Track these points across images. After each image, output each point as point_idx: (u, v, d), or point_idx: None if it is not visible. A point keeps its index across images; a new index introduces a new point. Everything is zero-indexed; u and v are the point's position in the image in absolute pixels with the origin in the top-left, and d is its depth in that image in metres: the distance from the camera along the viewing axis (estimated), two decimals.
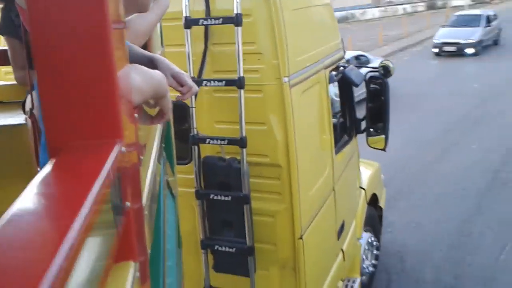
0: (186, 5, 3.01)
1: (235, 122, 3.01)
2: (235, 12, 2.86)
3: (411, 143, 9.67)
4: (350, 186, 4.52)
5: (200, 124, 3.15)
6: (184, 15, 3.01)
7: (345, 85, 4.25)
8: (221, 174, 3.11)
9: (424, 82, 15.71)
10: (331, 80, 3.84)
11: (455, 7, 38.21)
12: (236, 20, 2.87)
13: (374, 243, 5.34)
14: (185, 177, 3.21)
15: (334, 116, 4.04)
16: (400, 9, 41.15)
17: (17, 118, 2.33)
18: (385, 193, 6.09)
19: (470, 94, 13.84)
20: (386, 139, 4.44)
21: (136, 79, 0.96)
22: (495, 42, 22.87)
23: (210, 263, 3.30)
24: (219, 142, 3.08)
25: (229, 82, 2.98)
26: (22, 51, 2.12)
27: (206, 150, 3.21)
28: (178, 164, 2.79)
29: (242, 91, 2.95)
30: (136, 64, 1.04)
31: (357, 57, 13.50)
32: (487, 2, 41.63)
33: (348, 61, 4.91)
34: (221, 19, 2.94)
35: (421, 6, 42.91)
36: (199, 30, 3.07)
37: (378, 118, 4.41)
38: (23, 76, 2.34)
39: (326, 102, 3.65)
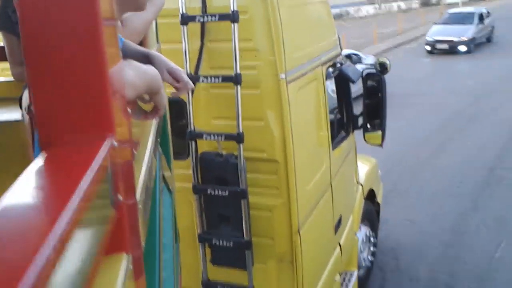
0: (182, 2, 3.02)
1: (232, 118, 3.02)
2: (232, 8, 2.87)
3: (405, 140, 9.61)
4: (347, 181, 4.54)
5: (198, 120, 3.17)
6: (181, 12, 3.03)
7: (342, 81, 4.27)
8: (218, 169, 3.13)
9: (417, 79, 15.66)
10: (328, 77, 3.86)
11: (449, 4, 38.18)
12: (232, 17, 2.88)
13: (371, 238, 5.37)
14: (183, 173, 3.23)
15: (331, 112, 4.05)
16: (394, 6, 41.13)
17: (13, 114, 2.34)
18: (382, 189, 6.10)
19: (463, 92, 13.80)
20: (383, 135, 4.47)
21: (129, 74, 0.97)
22: (488, 40, 22.78)
23: (208, 257, 3.33)
24: (216, 137, 3.10)
25: (226, 79, 2.99)
26: (19, 47, 2.13)
27: (204, 145, 3.23)
28: (175, 159, 2.80)
29: (239, 87, 2.96)
30: (130, 60, 1.06)
31: (348, 56, 13.19)
32: (481, 0, 41.59)
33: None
34: (217, 15, 2.95)
35: (415, 3, 42.89)
36: (195, 27, 3.08)
37: (375, 114, 4.43)
38: (21, 72, 2.36)
39: (323, 99, 3.66)
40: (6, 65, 2.64)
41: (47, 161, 0.61)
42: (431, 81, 15.68)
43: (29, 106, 2.07)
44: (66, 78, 0.68)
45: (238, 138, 3.00)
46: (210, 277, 3.36)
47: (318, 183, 3.57)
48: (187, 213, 3.32)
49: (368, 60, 13.95)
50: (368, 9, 39.57)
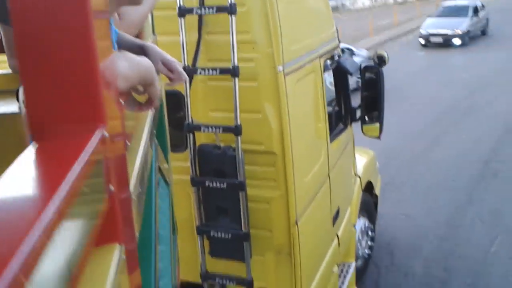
0: None
1: (230, 110, 3.03)
2: (229, 1, 2.87)
3: (399, 134, 9.51)
4: (345, 173, 4.55)
5: (195, 112, 3.17)
6: (178, 4, 3.02)
7: (340, 74, 4.26)
8: (216, 161, 3.14)
9: (412, 73, 15.54)
10: (326, 69, 3.86)
11: None
12: (230, 9, 2.87)
13: (369, 231, 5.40)
14: (181, 165, 3.24)
15: (329, 104, 4.05)
16: None
17: (10, 107, 2.33)
18: (380, 181, 6.11)
19: (458, 85, 13.70)
20: (381, 127, 4.47)
21: (122, 66, 0.97)
22: (483, 33, 22.57)
23: (206, 249, 3.34)
24: (214, 130, 3.10)
25: (223, 71, 2.99)
26: None
27: (202, 138, 3.23)
28: (173, 152, 2.81)
29: (236, 79, 2.96)
30: (123, 51, 1.06)
31: (341, 50, 13.20)
32: None
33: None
34: (215, 8, 2.94)
35: None
36: (193, 19, 3.07)
37: (373, 107, 4.43)
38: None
39: (321, 91, 3.66)
40: (3, 57, 2.64)
41: (37, 151, 0.62)
42: (425, 74, 15.56)
43: None
44: (56, 69, 0.68)
45: (236, 130, 3.01)
46: (209, 269, 3.37)
47: (316, 175, 3.58)
48: (185, 206, 3.33)
49: (361, 53, 13.92)
50: (364, 1, 39.37)
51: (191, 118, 3.14)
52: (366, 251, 5.36)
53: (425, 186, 7.64)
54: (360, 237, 5.15)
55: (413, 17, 29.00)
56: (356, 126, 4.63)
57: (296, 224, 3.21)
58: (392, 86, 12.55)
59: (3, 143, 2.25)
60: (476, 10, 21.93)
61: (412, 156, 8.81)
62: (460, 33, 20.46)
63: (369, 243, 5.41)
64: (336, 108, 4.36)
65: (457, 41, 20.44)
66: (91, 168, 0.62)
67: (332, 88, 4.39)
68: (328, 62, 3.98)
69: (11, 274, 0.37)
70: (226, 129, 3.05)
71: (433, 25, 20.99)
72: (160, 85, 1.35)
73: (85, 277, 0.64)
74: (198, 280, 3.40)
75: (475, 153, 8.78)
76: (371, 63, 4.51)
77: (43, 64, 0.68)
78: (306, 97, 3.48)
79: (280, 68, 2.99)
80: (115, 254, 0.78)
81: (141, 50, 1.33)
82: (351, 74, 4.17)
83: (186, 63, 3.06)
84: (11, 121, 2.22)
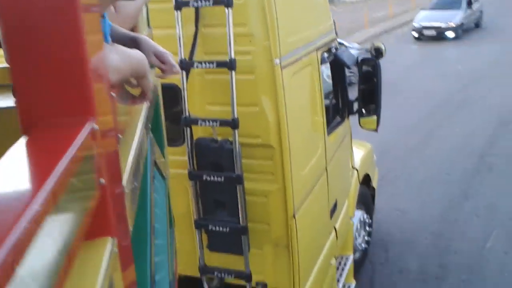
0: None
1: (227, 103, 3.02)
2: None
3: (393, 128, 9.34)
4: (342, 166, 4.56)
5: (192, 106, 3.17)
6: None
7: (337, 66, 4.26)
8: (213, 155, 3.14)
9: (406, 66, 15.40)
10: (323, 62, 3.85)
11: None
12: (226, 2, 2.86)
13: (367, 220, 5.41)
14: (178, 159, 3.24)
15: (326, 97, 4.05)
16: None
17: (7, 101, 2.33)
18: (377, 174, 6.10)
19: (452, 78, 13.58)
20: (378, 120, 4.47)
21: (113, 58, 0.97)
22: (477, 25, 22.31)
23: (205, 243, 3.35)
24: (211, 123, 3.10)
25: (220, 64, 2.98)
26: None
27: (199, 131, 3.23)
28: (170, 146, 2.81)
29: (233, 72, 2.95)
30: (115, 44, 1.06)
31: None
32: None
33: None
34: (211, 0, 2.93)
35: None
36: (189, 12, 3.06)
37: (370, 100, 4.43)
38: None
39: (318, 84, 3.66)
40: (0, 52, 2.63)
41: (27, 144, 0.62)
42: (419, 68, 15.45)
43: None
44: (45, 63, 0.68)
45: (233, 124, 3.00)
46: (207, 262, 3.38)
47: (314, 168, 3.58)
48: (183, 200, 3.33)
49: (353, 47, 13.88)
50: None
51: (188, 111, 3.14)
52: (363, 245, 5.37)
53: (419, 180, 7.56)
54: (359, 228, 5.17)
55: (408, 9, 28.82)
56: (353, 119, 4.63)
57: (294, 217, 3.22)
58: (385, 80, 12.47)
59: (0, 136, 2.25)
60: (469, 2, 21.65)
61: (406, 150, 8.72)
62: (454, 25, 20.21)
63: (366, 238, 5.42)
64: (333, 101, 4.36)
65: (450, 34, 20.18)
66: (80, 161, 0.62)
67: (329, 81, 4.39)
68: (325, 54, 3.98)
69: None
70: (223, 123, 3.05)
71: (426, 18, 20.69)
72: (153, 78, 1.34)
73: (77, 269, 0.64)
74: (196, 274, 3.41)
75: (469, 146, 8.70)
76: (368, 55, 4.50)
77: (32, 57, 0.68)
78: (303, 90, 3.47)
79: (277, 61, 2.99)
80: (107, 247, 0.78)
81: (133, 43, 1.33)
82: (348, 67, 4.16)
83: (182, 57, 3.05)
84: (8, 115, 2.21)
